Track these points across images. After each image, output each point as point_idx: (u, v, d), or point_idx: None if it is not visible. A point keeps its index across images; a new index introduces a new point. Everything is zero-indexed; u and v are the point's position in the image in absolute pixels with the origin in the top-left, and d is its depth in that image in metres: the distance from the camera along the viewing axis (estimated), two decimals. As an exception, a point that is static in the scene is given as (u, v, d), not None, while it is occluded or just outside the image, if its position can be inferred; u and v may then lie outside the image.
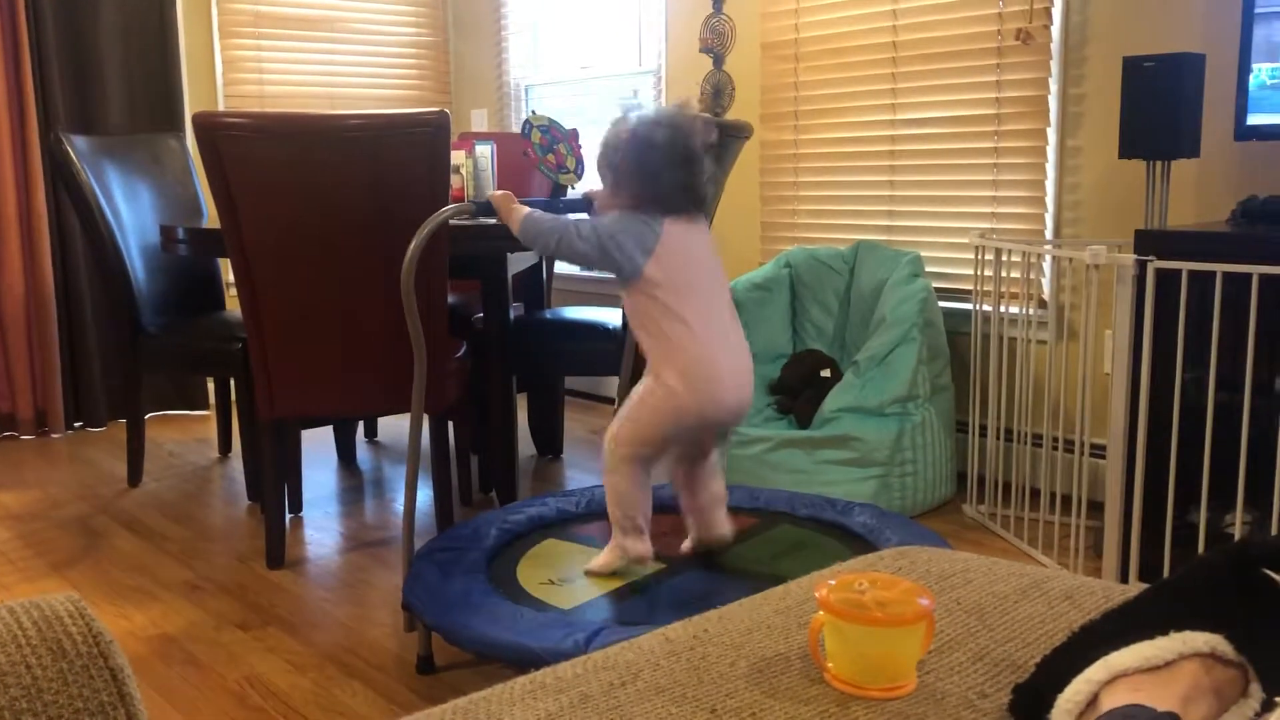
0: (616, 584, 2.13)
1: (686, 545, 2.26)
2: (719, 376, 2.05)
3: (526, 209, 2.12)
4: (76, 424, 4.38)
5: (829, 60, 3.76)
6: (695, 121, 2.06)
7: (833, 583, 1.08)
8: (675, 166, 2.01)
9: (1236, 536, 2.36)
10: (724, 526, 2.23)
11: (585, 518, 2.52)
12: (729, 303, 2.15)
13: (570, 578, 2.17)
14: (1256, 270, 2.21)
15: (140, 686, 2.40)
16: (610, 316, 3.36)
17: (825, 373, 3.42)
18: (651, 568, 2.19)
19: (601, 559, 2.17)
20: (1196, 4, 2.88)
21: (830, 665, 1.06)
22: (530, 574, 2.20)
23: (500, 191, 2.19)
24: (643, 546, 2.14)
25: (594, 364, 3.34)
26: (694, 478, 2.20)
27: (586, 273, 4.67)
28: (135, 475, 3.59)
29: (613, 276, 2.09)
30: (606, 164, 2.08)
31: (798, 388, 3.44)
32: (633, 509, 2.12)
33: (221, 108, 4.63)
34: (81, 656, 0.68)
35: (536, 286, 3.80)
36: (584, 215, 2.19)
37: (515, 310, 3.54)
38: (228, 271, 3.77)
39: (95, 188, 3.42)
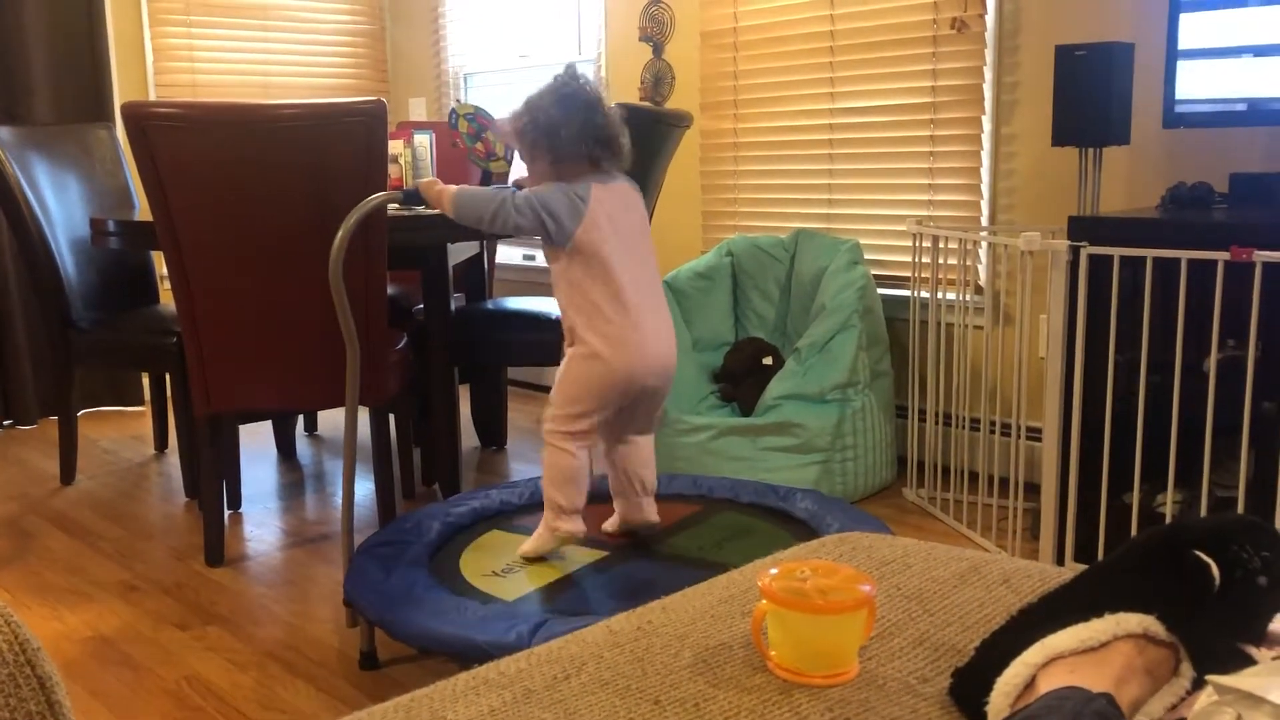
0: (559, 574, 2.13)
1: (610, 525, 2.27)
2: (642, 340, 2.09)
3: (455, 187, 2.13)
4: (6, 422, 4.27)
5: (768, 49, 3.77)
6: (583, 77, 2.11)
7: (775, 571, 1.09)
8: (575, 114, 2.04)
9: (1168, 517, 2.42)
10: (650, 514, 2.25)
11: (529, 509, 2.51)
12: (653, 266, 2.18)
13: (513, 568, 2.17)
14: (1185, 255, 2.25)
15: (74, 690, 2.33)
16: (552, 306, 3.35)
17: (767, 360, 3.44)
18: (593, 555, 2.19)
19: (533, 541, 2.18)
20: (1126, -7, 2.93)
21: (773, 653, 1.06)
22: (473, 565, 2.19)
23: (424, 179, 2.18)
24: (574, 525, 2.16)
25: (536, 354, 3.32)
26: (625, 457, 2.21)
27: (529, 262, 4.65)
28: (68, 473, 3.51)
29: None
30: (515, 140, 2.11)
31: (740, 375, 3.46)
32: (568, 488, 2.14)
33: (152, 97, 4.53)
34: (7, 665, 0.66)
35: (477, 277, 3.77)
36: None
37: (456, 301, 3.51)
38: (161, 265, 3.71)
39: (21, 179, 3.33)
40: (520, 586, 2.08)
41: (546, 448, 2.16)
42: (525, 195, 2.06)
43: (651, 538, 2.27)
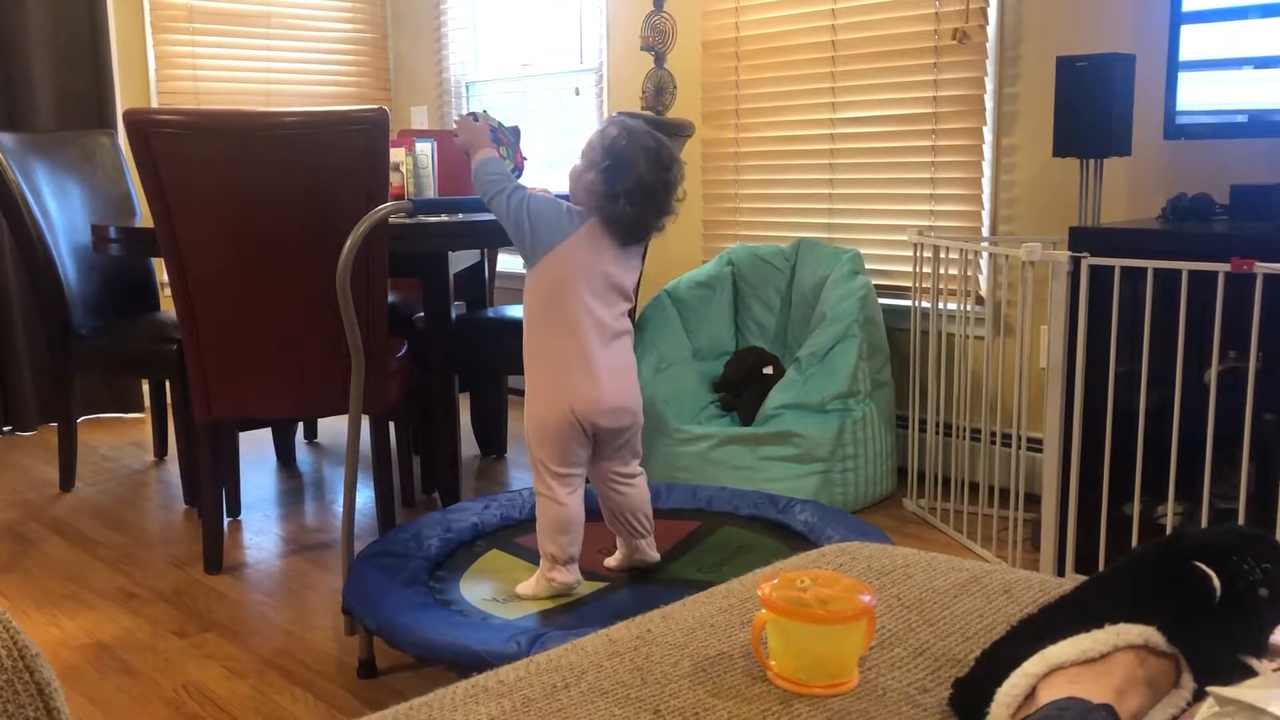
0: (559, 601, 2.11)
1: (612, 561, 2.25)
2: (589, 383, 2.03)
3: (490, 153, 2.10)
4: (5, 428, 4.27)
5: (769, 59, 3.78)
6: (672, 151, 2.05)
7: (775, 581, 1.08)
8: (641, 188, 2.00)
9: (1168, 528, 2.42)
10: (650, 553, 2.22)
11: (528, 523, 2.50)
12: (624, 316, 2.11)
13: (513, 598, 2.14)
14: (1185, 266, 2.26)
15: (73, 697, 2.33)
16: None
17: (767, 370, 3.44)
18: (593, 587, 2.17)
19: (529, 586, 2.14)
20: (1126, 6, 2.94)
21: (773, 663, 1.06)
22: (474, 590, 2.17)
23: (473, 120, 2.13)
24: (567, 577, 2.12)
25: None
26: (617, 503, 2.17)
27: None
28: (67, 480, 3.51)
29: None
30: (586, 156, 2.06)
31: (740, 385, 3.46)
32: (560, 538, 2.10)
33: (155, 104, 4.54)
34: (5, 671, 0.66)
35: (478, 285, 3.77)
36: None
37: (457, 309, 3.51)
38: (162, 271, 3.71)
39: (23, 185, 3.34)
40: (518, 611, 2.07)
41: (537, 495, 2.13)
42: (520, 196, 2.03)
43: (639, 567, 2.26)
